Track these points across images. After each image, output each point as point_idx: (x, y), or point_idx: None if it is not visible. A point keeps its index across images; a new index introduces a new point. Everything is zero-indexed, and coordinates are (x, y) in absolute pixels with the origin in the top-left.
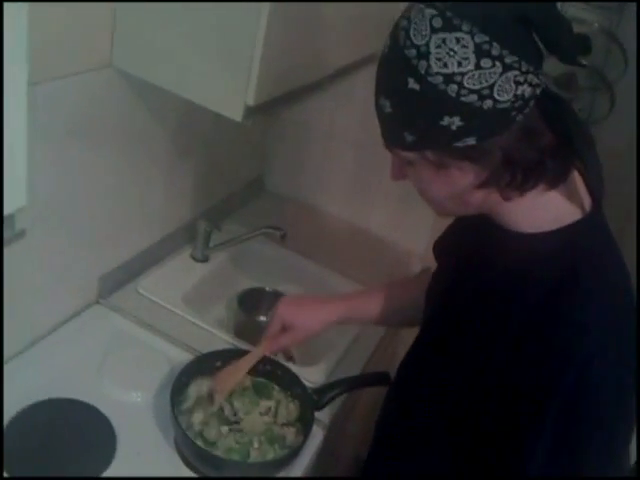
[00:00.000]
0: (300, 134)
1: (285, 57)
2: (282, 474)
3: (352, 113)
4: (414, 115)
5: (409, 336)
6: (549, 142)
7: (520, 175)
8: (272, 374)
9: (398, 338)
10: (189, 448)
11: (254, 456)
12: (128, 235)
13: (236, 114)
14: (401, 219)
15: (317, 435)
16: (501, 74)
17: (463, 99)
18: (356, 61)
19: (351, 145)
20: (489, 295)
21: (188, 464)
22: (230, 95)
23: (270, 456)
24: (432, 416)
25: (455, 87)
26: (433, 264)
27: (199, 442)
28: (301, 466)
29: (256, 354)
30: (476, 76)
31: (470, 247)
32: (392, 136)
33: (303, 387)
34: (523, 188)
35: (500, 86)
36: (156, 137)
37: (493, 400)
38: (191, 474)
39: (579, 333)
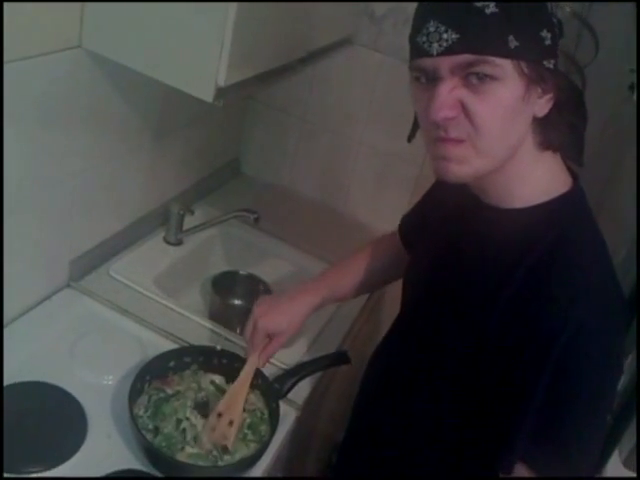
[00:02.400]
0: (276, 117)
1: (257, 38)
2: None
3: (327, 97)
4: (523, 19)
5: (385, 316)
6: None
7: (560, 122)
8: (228, 368)
9: (373, 318)
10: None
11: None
12: (100, 218)
13: (207, 95)
14: (376, 201)
15: (290, 415)
16: (557, 11)
17: (554, 19)
18: (330, 44)
19: (326, 128)
20: (481, 270)
21: None
22: (201, 76)
23: (242, 451)
24: (416, 394)
25: (549, 5)
26: None
27: (152, 438)
28: (274, 448)
29: (248, 374)
30: (554, 5)
31: (453, 228)
32: (492, 40)
33: (263, 377)
34: (550, 140)
35: (559, 21)
36: (129, 119)
37: (486, 371)
38: None
39: (570, 300)
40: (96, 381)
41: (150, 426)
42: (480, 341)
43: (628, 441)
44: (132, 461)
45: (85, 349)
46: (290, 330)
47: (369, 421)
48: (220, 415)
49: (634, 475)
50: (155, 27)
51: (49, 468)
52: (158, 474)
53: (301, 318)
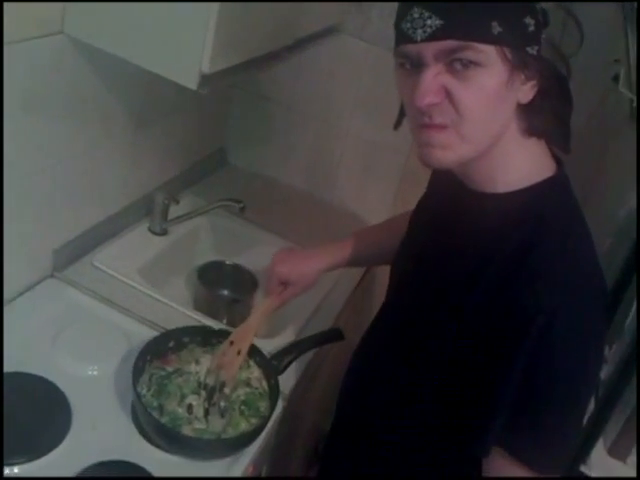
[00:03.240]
0: (262, 106)
1: (243, 24)
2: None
3: (314, 86)
4: (506, 5)
5: (378, 296)
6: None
7: (544, 107)
8: None
9: (360, 309)
10: (150, 424)
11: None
12: (83, 207)
13: (191, 82)
14: (363, 192)
15: (277, 406)
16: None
17: (537, 6)
18: (317, 32)
19: (313, 118)
20: (463, 254)
21: (146, 437)
22: (185, 62)
23: (243, 425)
24: (399, 379)
25: None
26: None
27: (158, 416)
28: (261, 438)
29: (261, 315)
30: None
31: (441, 213)
32: (476, 26)
33: (261, 354)
34: (534, 126)
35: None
36: (113, 107)
37: (464, 357)
38: (149, 446)
39: (545, 285)
40: (80, 371)
41: (155, 404)
42: (459, 326)
43: (612, 430)
44: (117, 452)
45: (69, 339)
46: (303, 281)
47: (355, 409)
48: (232, 343)
49: (619, 462)
50: (138, 13)
51: (32, 459)
52: (160, 453)
53: (315, 273)
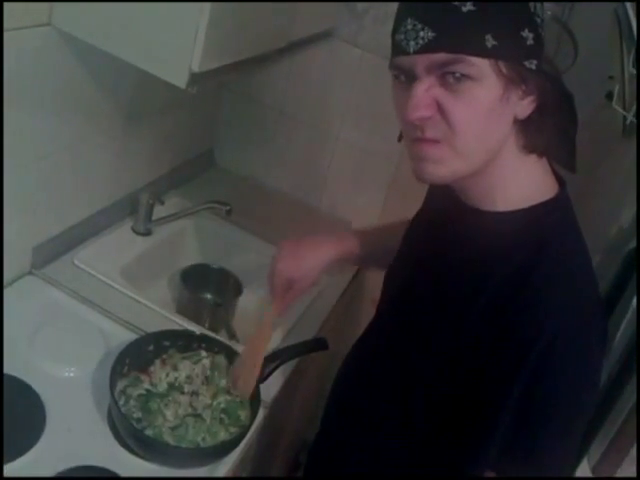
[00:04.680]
0: (252, 109)
1: (235, 24)
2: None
3: (306, 91)
4: (501, 17)
5: (364, 306)
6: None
7: (543, 124)
8: (210, 351)
9: (345, 318)
10: (129, 432)
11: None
12: (66, 204)
13: (180, 80)
14: (351, 199)
15: (259, 415)
16: (542, 12)
17: (536, 19)
18: (310, 36)
19: (303, 122)
20: (460, 273)
21: (121, 442)
22: (174, 60)
23: (222, 434)
24: (391, 395)
25: (533, 4)
26: None
27: (135, 423)
28: (241, 447)
29: (269, 319)
30: (539, 5)
31: (438, 229)
32: (469, 39)
33: None
34: (534, 143)
35: (543, 21)
36: (99, 103)
37: (459, 379)
38: (124, 452)
39: (547, 310)
40: (56, 373)
41: (134, 413)
42: (455, 345)
43: (597, 448)
44: (92, 457)
45: (46, 339)
46: (307, 280)
47: (342, 421)
48: (246, 359)
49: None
50: (128, 7)
51: (4, 462)
52: (135, 460)
53: (321, 265)
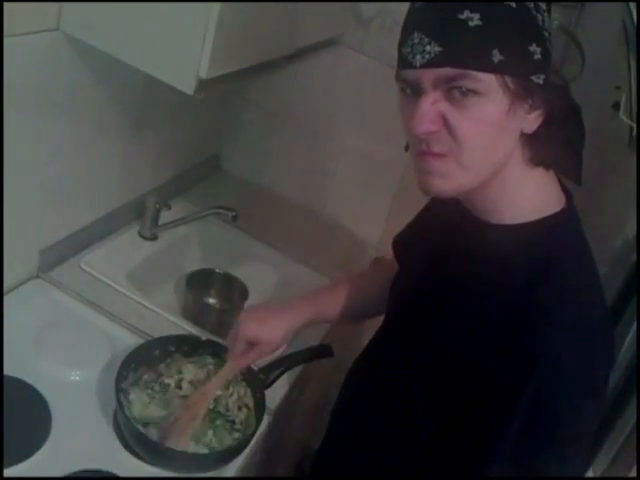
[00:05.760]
0: (259, 115)
1: (242, 31)
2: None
3: (312, 97)
4: (508, 33)
5: (363, 323)
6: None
7: (551, 138)
8: (215, 357)
9: (349, 331)
10: (134, 436)
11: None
12: (73, 208)
13: (188, 87)
14: (357, 207)
15: (263, 421)
16: (549, 24)
17: (544, 33)
18: (317, 43)
19: (309, 129)
20: (466, 285)
21: (126, 446)
22: (182, 66)
23: (227, 440)
24: (395, 407)
25: (540, 18)
26: (387, 254)
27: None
28: (245, 453)
29: (221, 378)
30: (546, 19)
31: (444, 242)
32: (475, 54)
33: (249, 368)
34: (541, 156)
35: (550, 34)
36: (106, 108)
37: (463, 393)
38: (129, 455)
39: (551, 329)
40: (62, 376)
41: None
42: (462, 357)
43: (603, 459)
44: (97, 460)
45: (52, 343)
46: (270, 343)
47: (348, 430)
48: (188, 407)
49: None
50: (136, 13)
51: (9, 465)
52: (140, 464)
53: (283, 333)
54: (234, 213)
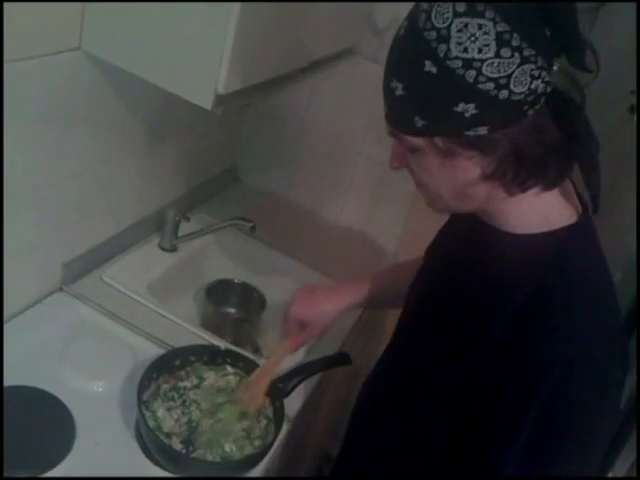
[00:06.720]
0: (275, 126)
1: (259, 46)
2: (255, 471)
3: (327, 108)
4: (428, 99)
5: (381, 331)
6: (555, 140)
7: (525, 170)
8: (235, 366)
9: (368, 332)
10: (157, 446)
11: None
12: (95, 222)
13: (206, 102)
14: (373, 216)
15: (282, 429)
16: (519, 65)
17: (480, 86)
18: (331, 54)
19: (325, 140)
20: (476, 294)
21: (149, 456)
22: (200, 82)
23: (247, 448)
24: (411, 414)
25: (474, 73)
26: None
27: (164, 438)
28: (265, 461)
29: (279, 358)
30: (495, 64)
31: (457, 247)
32: (401, 120)
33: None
34: (526, 184)
35: (516, 78)
36: (128, 123)
37: (475, 400)
38: (151, 465)
39: (560, 339)
40: (85, 387)
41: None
42: (475, 365)
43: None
44: (120, 470)
45: (75, 354)
46: (322, 322)
47: (366, 436)
48: (247, 388)
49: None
50: (156, 32)
51: (35, 474)
52: (162, 472)
53: (333, 314)
54: (252, 224)
